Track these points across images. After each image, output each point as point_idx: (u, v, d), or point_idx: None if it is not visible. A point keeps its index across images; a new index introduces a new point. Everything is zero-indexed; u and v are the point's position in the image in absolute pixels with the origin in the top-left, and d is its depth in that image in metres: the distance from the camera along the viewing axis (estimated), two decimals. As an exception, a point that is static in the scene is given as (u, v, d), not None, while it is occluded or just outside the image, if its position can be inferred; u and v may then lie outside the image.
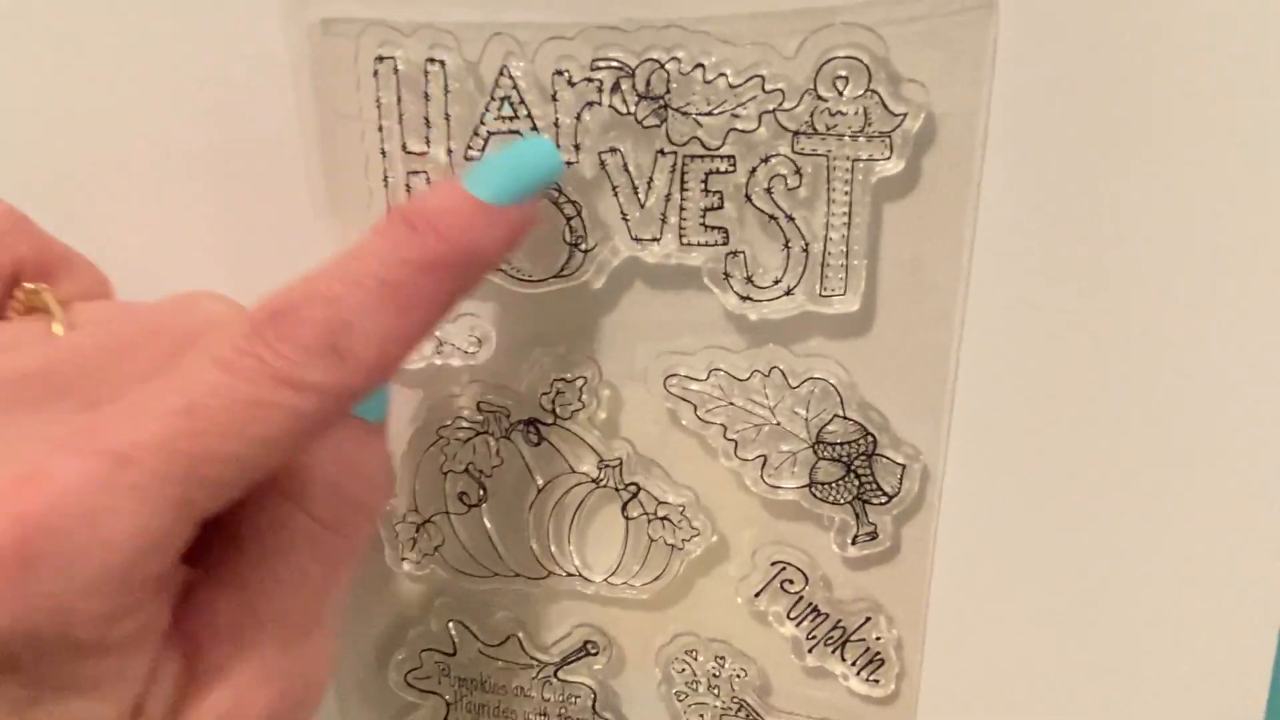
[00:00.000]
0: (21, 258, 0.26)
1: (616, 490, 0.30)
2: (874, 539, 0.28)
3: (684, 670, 0.32)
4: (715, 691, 0.32)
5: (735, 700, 0.32)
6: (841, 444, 0.28)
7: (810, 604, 0.30)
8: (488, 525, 0.31)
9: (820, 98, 0.25)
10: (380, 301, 0.22)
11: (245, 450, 0.20)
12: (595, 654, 0.32)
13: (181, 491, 0.19)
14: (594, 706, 0.33)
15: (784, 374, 0.28)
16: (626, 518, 0.30)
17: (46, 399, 0.22)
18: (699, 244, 0.27)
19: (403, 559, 0.32)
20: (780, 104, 0.25)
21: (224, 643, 0.22)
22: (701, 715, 0.32)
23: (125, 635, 0.20)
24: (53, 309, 0.25)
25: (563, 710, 0.33)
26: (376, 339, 0.21)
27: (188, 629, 0.22)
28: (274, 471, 0.21)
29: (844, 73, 0.24)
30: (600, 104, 0.26)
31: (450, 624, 0.33)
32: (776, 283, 0.27)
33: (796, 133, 0.25)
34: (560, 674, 0.33)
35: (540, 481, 0.31)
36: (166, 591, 0.22)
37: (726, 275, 0.27)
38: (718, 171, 0.26)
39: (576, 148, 0.26)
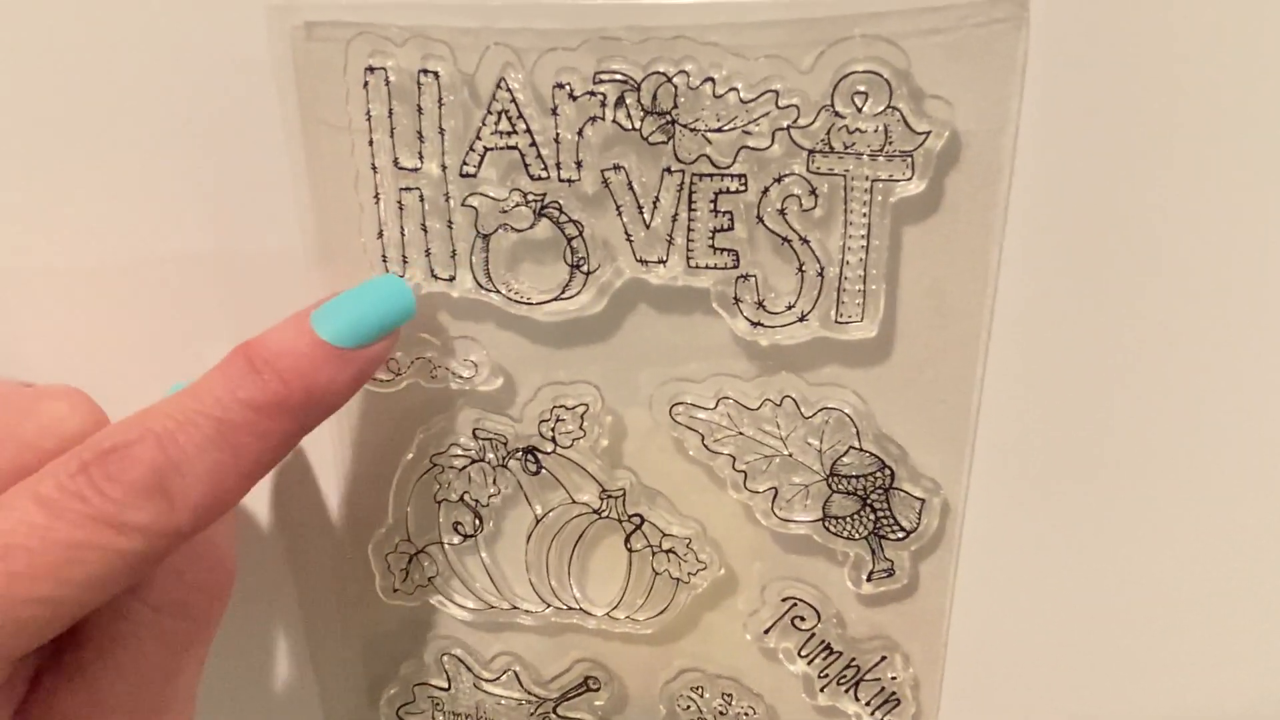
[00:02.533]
0: None
1: (619, 521, 0.29)
2: (890, 575, 0.27)
3: (689, 707, 0.30)
4: (722, 730, 0.30)
5: (743, 739, 0.30)
6: (857, 477, 0.26)
7: (823, 641, 0.28)
8: (484, 556, 0.30)
9: (838, 114, 0.23)
10: (214, 441, 0.21)
11: (62, 593, 0.20)
12: (596, 689, 0.31)
13: None
14: (595, 743, 0.32)
15: (796, 403, 0.26)
16: (629, 550, 0.29)
17: None
18: (707, 266, 0.25)
19: (394, 590, 0.31)
20: (795, 120, 0.24)
21: None
22: (707, 754, 0.31)
23: None
24: None
25: (562, 747, 0.32)
26: (207, 480, 0.21)
27: None
28: (99, 606, 0.21)
29: (863, 88, 0.23)
30: (604, 119, 0.24)
31: (445, 657, 0.32)
32: (790, 308, 0.25)
33: (812, 151, 0.24)
34: (559, 710, 0.32)
35: (539, 511, 0.29)
36: (5, 696, 0.22)
37: (736, 299, 0.25)
38: (728, 191, 0.25)
39: (578, 164, 0.25)
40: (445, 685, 0.32)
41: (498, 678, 0.32)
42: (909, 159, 0.23)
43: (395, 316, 0.24)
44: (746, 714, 0.30)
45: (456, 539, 0.30)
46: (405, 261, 0.26)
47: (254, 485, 0.22)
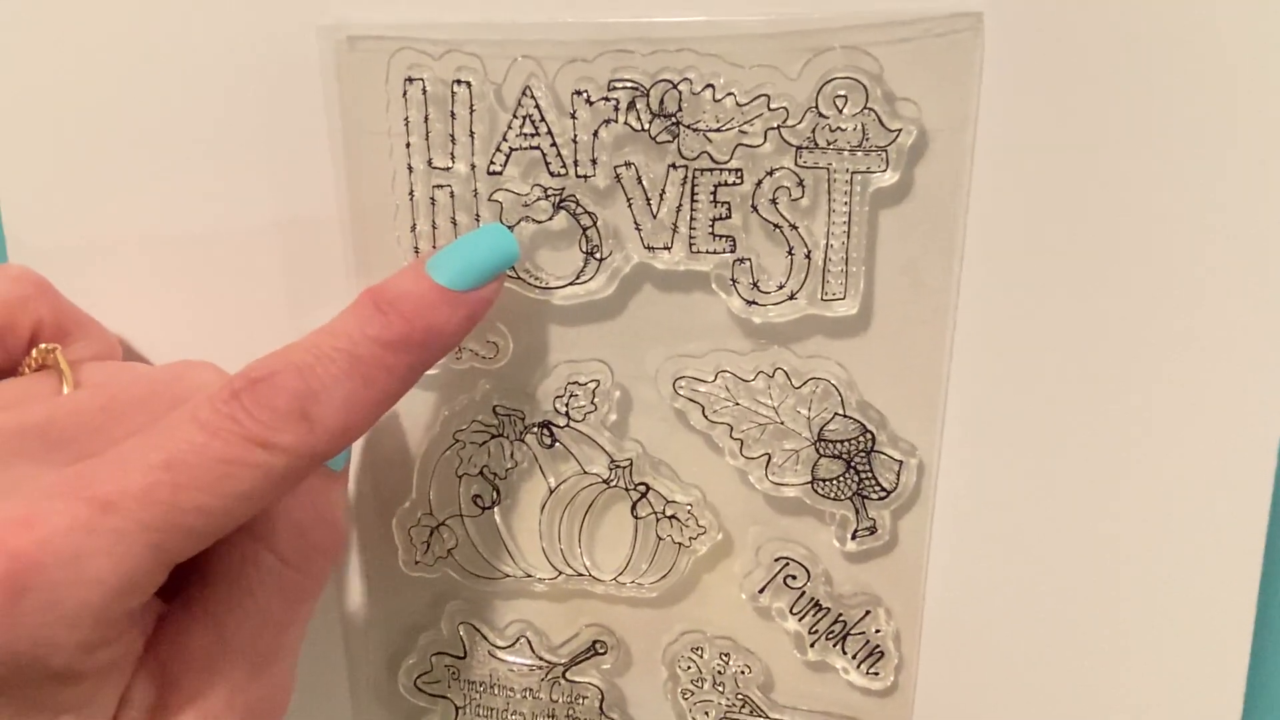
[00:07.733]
0: (40, 319, 0.28)
1: (626, 490, 0.31)
2: (873, 533, 0.30)
3: (689, 668, 0.33)
4: (720, 689, 0.33)
5: (739, 697, 0.33)
6: (842, 441, 0.29)
7: (812, 599, 0.31)
8: (500, 527, 0.33)
9: (821, 115, 0.27)
10: (347, 374, 0.24)
11: (219, 503, 0.22)
12: (603, 653, 0.33)
13: (159, 537, 0.21)
14: (601, 706, 0.34)
15: (787, 375, 0.29)
16: (636, 517, 0.32)
17: (44, 451, 0.24)
18: (708, 252, 0.28)
19: (416, 562, 0.33)
20: (784, 121, 0.27)
21: (196, 670, 0.24)
22: (706, 713, 0.33)
23: (100, 665, 0.22)
24: (63, 368, 0.27)
25: (570, 711, 0.34)
26: (342, 407, 0.24)
27: (161, 658, 0.24)
28: (245, 521, 0.23)
29: (843, 92, 0.26)
30: (616, 121, 0.28)
31: (461, 627, 0.34)
32: (780, 287, 0.28)
33: (799, 147, 0.27)
34: (568, 675, 0.34)
35: (552, 483, 0.32)
36: (140, 626, 0.24)
37: (733, 281, 0.29)
38: (726, 184, 0.28)
39: (593, 162, 0.28)
40: (461, 654, 0.34)
41: (511, 645, 0.34)
42: (884, 153, 0.27)
43: (501, 261, 0.27)
44: (743, 672, 0.32)
45: (475, 511, 0.33)
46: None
47: (383, 414, 0.25)
